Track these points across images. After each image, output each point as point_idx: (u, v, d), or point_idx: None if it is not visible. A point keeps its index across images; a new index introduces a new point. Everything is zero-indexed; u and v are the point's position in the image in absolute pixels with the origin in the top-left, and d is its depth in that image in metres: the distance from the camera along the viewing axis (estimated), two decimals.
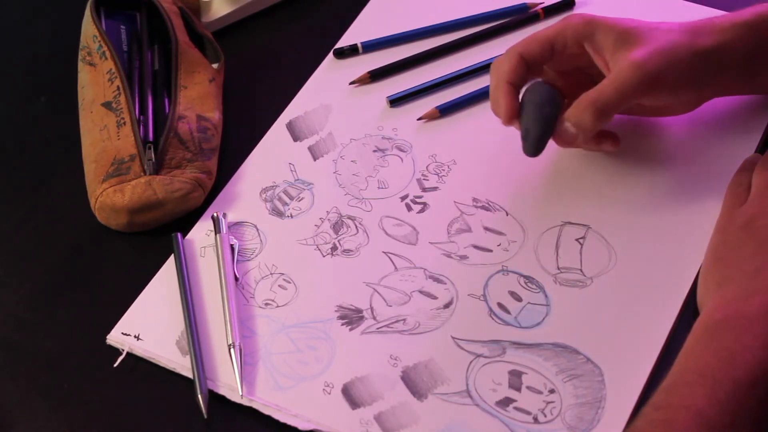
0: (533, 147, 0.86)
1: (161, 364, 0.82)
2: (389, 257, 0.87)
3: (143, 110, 0.93)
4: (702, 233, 0.85)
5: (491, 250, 0.87)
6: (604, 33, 0.85)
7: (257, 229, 0.89)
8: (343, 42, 1.01)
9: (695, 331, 0.77)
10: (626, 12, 1.01)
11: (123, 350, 0.83)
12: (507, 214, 0.89)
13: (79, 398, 0.81)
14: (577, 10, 1.02)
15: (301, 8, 1.05)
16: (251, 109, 0.98)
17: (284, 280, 0.86)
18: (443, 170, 0.92)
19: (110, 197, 0.88)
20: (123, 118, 0.90)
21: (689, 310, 0.82)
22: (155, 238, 0.89)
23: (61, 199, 0.93)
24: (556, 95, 0.86)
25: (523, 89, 0.87)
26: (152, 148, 0.89)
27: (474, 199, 0.90)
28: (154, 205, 0.88)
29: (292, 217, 0.90)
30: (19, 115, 1.00)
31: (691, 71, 0.85)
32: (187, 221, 0.90)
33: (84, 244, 0.90)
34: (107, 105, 0.92)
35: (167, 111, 0.93)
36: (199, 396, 0.79)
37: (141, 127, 0.91)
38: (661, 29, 0.85)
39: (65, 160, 0.95)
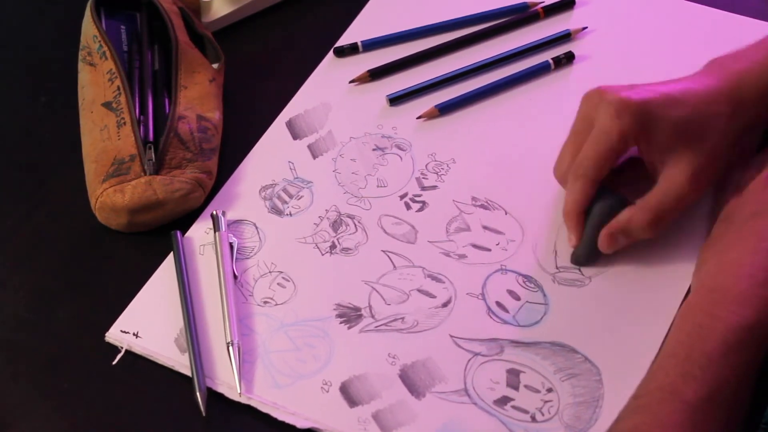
0: (587, 261, 0.85)
1: (160, 362, 0.82)
2: (388, 256, 0.87)
3: (143, 110, 0.93)
4: (700, 233, 0.85)
5: (490, 249, 0.87)
6: (661, 131, 0.81)
7: (256, 228, 0.89)
8: (343, 41, 1.01)
9: (675, 322, 0.77)
10: (626, 11, 1.02)
11: (122, 348, 0.83)
12: (506, 213, 0.89)
13: (79, 397, 0.81)
14: (577, 9, 1.02)
15: (301, 8, 1.05)
16: (251, 108, 0.98)
17: (283, 278, 0.86)
18: (442, 169, 0.92)
19: (110, 197, 0.88)
20: (123, 118, 0.90)
21: None
22: (155, 237, 0.89)
23: (61, 199, 0.93)
24: (623, 208, 0.84)
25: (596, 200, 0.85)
26: (152, 148, 0.89)
27: (473, 198, 0.90)
28: (154, 205, 0.88)
29: (291, 215, 0.90)
30: (19, 115, 1.00)
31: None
32: (186, 220, 0.90)
33: (84, 244, 0.90)
34: (107, 105, 0.92)
35: (167, 111, 0.93)
36: (198, 394, 0.79)
37: (141, 127, 0.91)
38: (715, 119, 0.82)
39: (65, 160, 0.95)
